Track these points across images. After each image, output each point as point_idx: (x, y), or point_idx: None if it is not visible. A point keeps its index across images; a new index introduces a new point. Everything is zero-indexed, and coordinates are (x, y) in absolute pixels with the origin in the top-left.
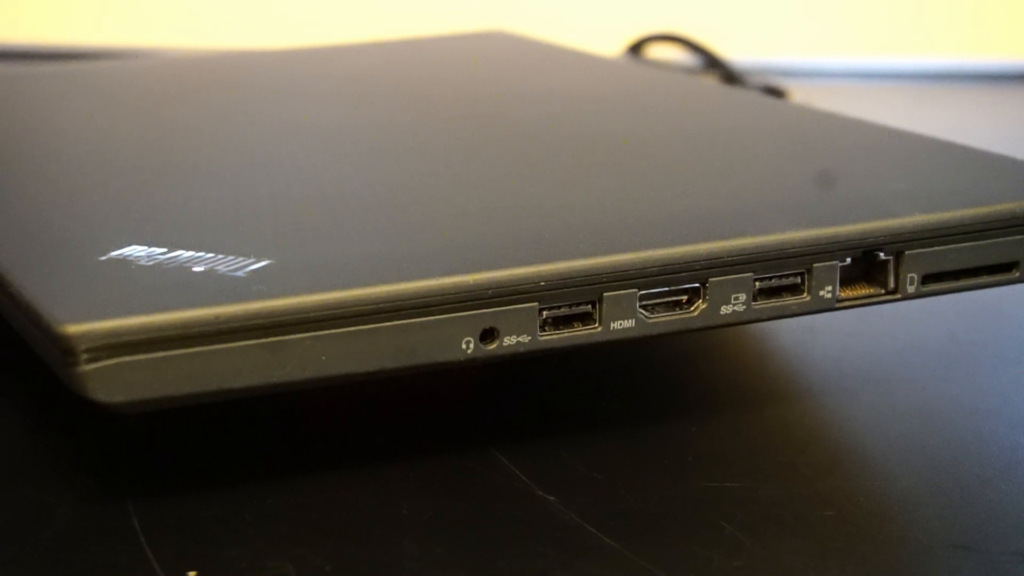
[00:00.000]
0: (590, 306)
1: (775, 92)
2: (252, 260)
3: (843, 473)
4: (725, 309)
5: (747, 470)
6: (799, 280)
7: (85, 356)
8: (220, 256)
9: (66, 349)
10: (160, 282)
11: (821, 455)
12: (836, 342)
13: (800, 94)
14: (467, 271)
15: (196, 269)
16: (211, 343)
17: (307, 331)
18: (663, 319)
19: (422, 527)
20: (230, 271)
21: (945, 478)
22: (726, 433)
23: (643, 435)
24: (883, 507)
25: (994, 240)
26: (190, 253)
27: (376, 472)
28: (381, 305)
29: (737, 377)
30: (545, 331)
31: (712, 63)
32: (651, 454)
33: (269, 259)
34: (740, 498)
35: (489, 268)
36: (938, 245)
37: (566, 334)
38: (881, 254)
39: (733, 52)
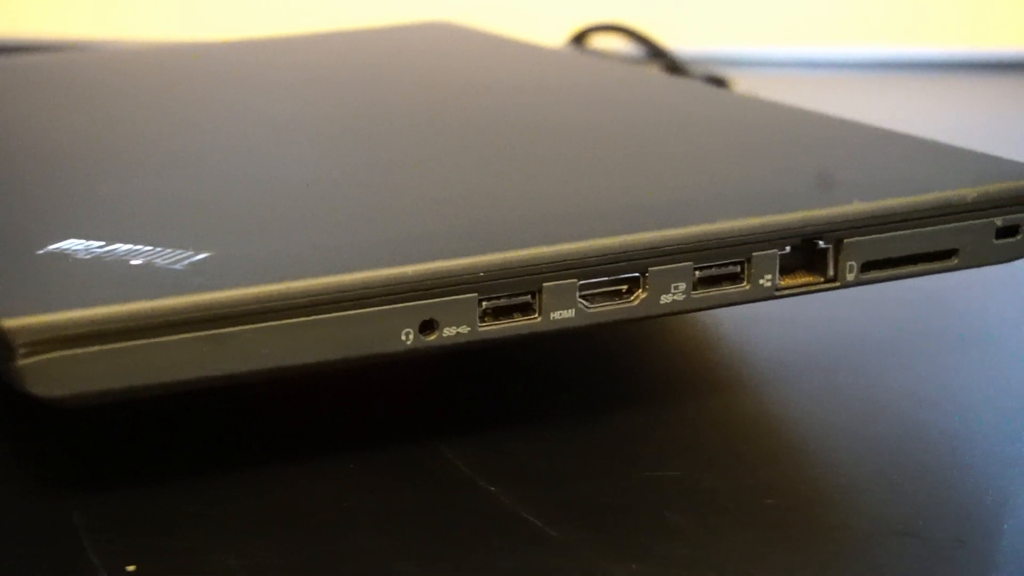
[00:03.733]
0: (530, 296)
1: (718, 81)
2: (191, 253)
3: (785, 461)
4: (665, 298)
5: (690, 459)
6: (739, 269)
7: (23, 351)
8: (159, 249)
9: (3, 344)
10: (99, 276)
11: (764, 444)
12: (779, 331)
13: (743, 83)
14: (406, 262)
15: (134, 262)
16: (150, 336)
17: (247, 324)
18: (603, 309)
19: (367, 519)
20: (169, 264)
21: (886, 465)
22: (669, 423)
23: (586, 425)
24: (825, 495)
25: (933, 228)
26: (128, 246)
27: (320, 465)
28: (321, 297)
29: (680, 367)
30: (485, 322)
31: (655, 53)
32: (594, 444)
33: (208, 251)
34: (683, 487)
35: (428, 259)
36: (877, 233)
37: (506, 325)
38: (821, 242)
39: (676, 42)
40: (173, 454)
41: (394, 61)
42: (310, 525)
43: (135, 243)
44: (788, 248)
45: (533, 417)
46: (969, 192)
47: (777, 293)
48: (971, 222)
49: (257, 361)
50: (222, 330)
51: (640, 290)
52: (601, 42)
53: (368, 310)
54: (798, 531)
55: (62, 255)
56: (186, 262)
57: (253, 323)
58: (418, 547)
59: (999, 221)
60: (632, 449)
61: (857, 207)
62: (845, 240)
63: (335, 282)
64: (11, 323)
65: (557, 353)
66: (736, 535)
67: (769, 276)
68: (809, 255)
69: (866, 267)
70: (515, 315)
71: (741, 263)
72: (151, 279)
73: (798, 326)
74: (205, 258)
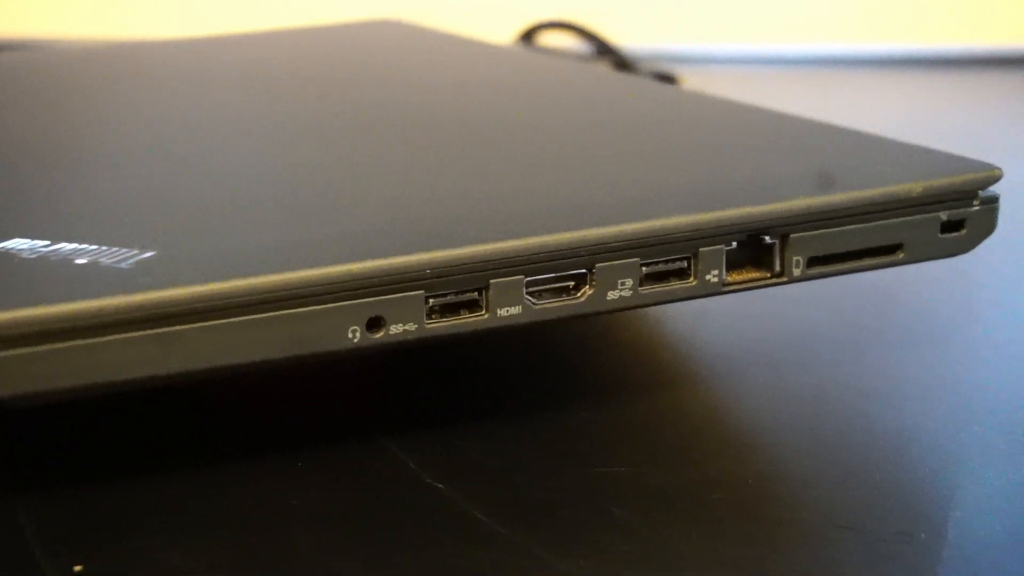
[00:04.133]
0: (477, 293)
1: (667, 78)
2: (136, 252)
3: (733, 456)
4: (612, 294)
5: (638, 455)
6: (685, 265)
7: None
8: (104, 248)
9: None
10: (44, 275)
11: (712, 439)
12: (728, 326)
13: (692, 80)
14: (353, 260)
15: (80, 261)
16: (96, 336)
17: (192, 322)
18: (550, 305)
19: (314, 518)
20: (114, 263)
21: (833, 460)
22: (618, 419)
23: (535, 422)
24: (772, 489)
25: (878, 223)
26: (74, 245)
27: (269, 463)
28: (266, 295)
29: (629, 362)
30: (432, 319)
31: (604, 50)
32: (543, 441)
33: (154, 250)
34: (631, 483)
35: (374, 257)
36: (823, 228)
37: (453, 321)
38: (767, 238)
39: (625, 39)
40: (120, 453)
41: (343, 59)
42: (258, 524)
43: (80, 242)
44: (734, 244)
45: (482, 414)
46: (914, 187)
47: (724, 289)
48: (916, 217)
49: (203, 360)
50: (168, 329)
51: (587, 286)
52: (550, 39)
53: (314, 308)
54: (745, 525)
55: (7, 254)
56: (132, 261)
57: (199, 322)
58: (366, 546)
59: (944, 216)
60: (581, 445)
61: (802, 202)
62: (791, 235)
63: (281, 280)
64: None
65: (505, 349)
66: (684, 530)
67: (716, 272)
68: (756, 250)
69: (812, 262)
70: (462, 312)
71: (688, 259)
72: (97, 278)
73: (746, 321)
74: (151, 257)
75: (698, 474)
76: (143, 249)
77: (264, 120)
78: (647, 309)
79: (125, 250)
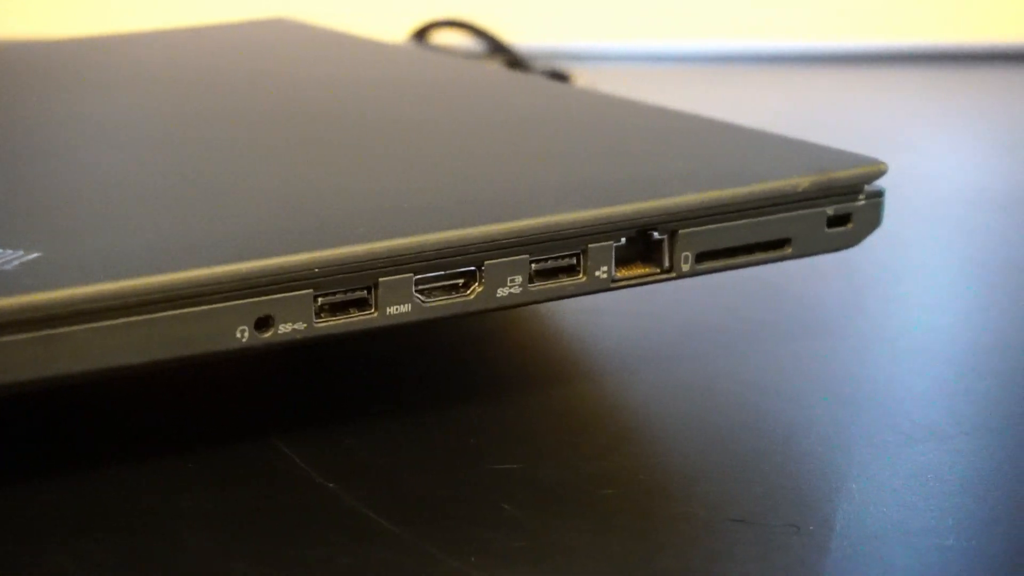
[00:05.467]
0: (366, 292)
1: (560, 76)
2: (21, 253)
3: (625, 451)
4: (502, 292)
5: (529, 451)
6: (575, 261)
7: None
8: None
9: None
10: None
11: (603, 434)
12: (620, 322)
13: (586, 78)
14: (240, 259)
15: None
16: None
17: (79, 324)
18: (440, 303)
19: (204, 518)
20: None
21: (724, 453)
22: (509, 416)
23: (427, 420)
24: (663, 484)
25: (766, 218)
26: None
27: (156, 464)
28: (153, 295)
29: (521, 359)
30: (321, 318)
31: (497, 48)
32: (435, 438)
33: (39, 251)
34: (522, 479)
35: (262, 256)
36: (711, 224)
37: (342, 320)
38: (655, 233)
39: (519, 37)
40: (5, 457)
41: (231, 58)
42: (146, 525)
43: None
44: (623, 240)
45: (372, 412)
46: (801, 181)
47: (613, 285)
48: (803, 211)
49: (90, 361)
50: (54, 331)
51: (476, 284)
52: (443, 38)
53: (202, 308)
54: (636, 520)
55: None
56: (16, 263)
57: (85, 323)
58: (253, 545)
59: (831, 210)
60: (472, 442)
61: (690, 198)
62: (679, 231)
63: (168, 280)
64: None
65: (396, 347)
66: (575, 525)
67: (605, 268)
68: (645, 246)
69: (701, 257)
70: (351, 311)
71: (577, 255)
72: None
73: (637, 317)
74: (36, 258)
75: (589, 470)
76: (28, 251)
77: (150, 120)
78: (539, 306)
79: (9, 252)
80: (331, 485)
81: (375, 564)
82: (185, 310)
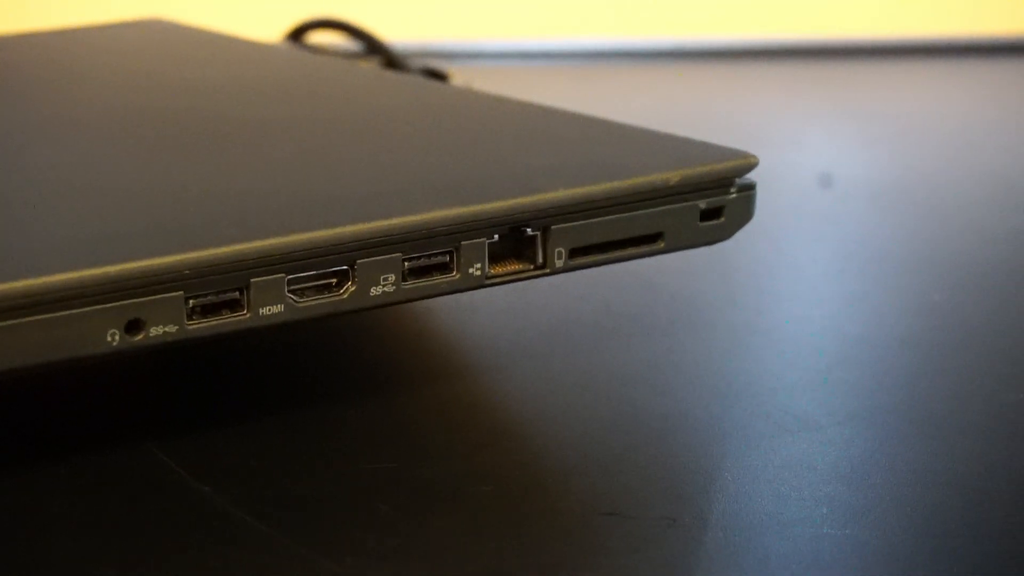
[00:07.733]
0: (238, 293)
1: (437, 75)
2: None
3: (499, 448)
4: (375, 290)
5: (404, 450)
6: (448, 259)
7: None
8: None
9: None
10: None
11: (477, 431)
12: (494, 319)
13: (463, 77)
14: (109, 262)
15: None
16: None
17: None
18: (313, 303)
19: (75, 524)
20: None
21: (598, 447)
22: (383, 414)
23: (300, 420)
24: (538, 479)
25: (637, 212)
26: None
27: (27, 469)
28: (20, 300)
29: (395, 358)
30: (193, 320)
31: (374, 48)
32: (309, 439)
33: None
34: (397, 478)
35: (131, 258)
36: (583, 219)
37: (214, 322)
38: (528, 230)
39: (396, 36)
40: None
41: (101, 59)
42: (14, 531)
43: None
44: (496, 236)
45: (246, 414)
46: (672, 176)
47: (487, 281)
48: (675, 205)
49: None
50: None
51: (349, 283)
52: (320, 38)
53: (70, 312)
54: (511, 516)
55: None
56: None
57: None
58: (125, 550)
59: (703, 204)
60: (346, 442)
61: (562, 194)
62: (552, 227)
63: (36, 284)
64: None
65: (269, 348)
66: (450, 523)
67: (478, 265)
68: (518, 243)
69: (574, 253)
70: (224, 312)
71: (450, 253)
72: None
73: (511, 314)
74: None
75: (464, 467)
76: None
77: (16, 123)
78: (413, 304)
79: None
80: (205, 488)
81: (248, 567)
82: (53, 314)
